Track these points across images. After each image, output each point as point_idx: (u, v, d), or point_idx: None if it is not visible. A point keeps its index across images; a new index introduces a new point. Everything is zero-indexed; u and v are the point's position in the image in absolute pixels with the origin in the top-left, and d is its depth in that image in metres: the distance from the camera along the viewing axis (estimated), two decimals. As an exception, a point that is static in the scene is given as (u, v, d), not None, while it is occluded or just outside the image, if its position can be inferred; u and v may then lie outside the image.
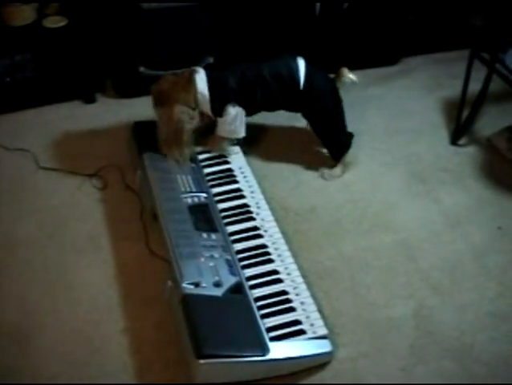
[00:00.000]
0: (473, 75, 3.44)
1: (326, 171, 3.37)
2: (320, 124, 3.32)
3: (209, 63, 3.61)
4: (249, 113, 3.26)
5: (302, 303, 2.57)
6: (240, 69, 3.20)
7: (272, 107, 3.36)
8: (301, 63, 3.19)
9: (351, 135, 3.37)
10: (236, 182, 3.10)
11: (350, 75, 3.25)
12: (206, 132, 3.28)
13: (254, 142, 3.49)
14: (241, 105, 3.18)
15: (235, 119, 3.19)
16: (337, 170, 3.36)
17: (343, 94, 3.27)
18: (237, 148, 3.32)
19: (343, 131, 3.35)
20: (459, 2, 4.07)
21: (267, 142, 3.55)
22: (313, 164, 3.41)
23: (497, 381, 2.48)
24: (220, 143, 3.28)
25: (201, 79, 3.14)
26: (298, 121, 3.45)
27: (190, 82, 3.13)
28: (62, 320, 2.66)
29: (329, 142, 3.36)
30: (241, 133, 3.27)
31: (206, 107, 3.17)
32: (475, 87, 3.49)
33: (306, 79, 3.17)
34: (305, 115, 3.35)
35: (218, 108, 3.17)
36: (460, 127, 3.57)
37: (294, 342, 2.43)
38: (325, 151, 3.41)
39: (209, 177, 3.11)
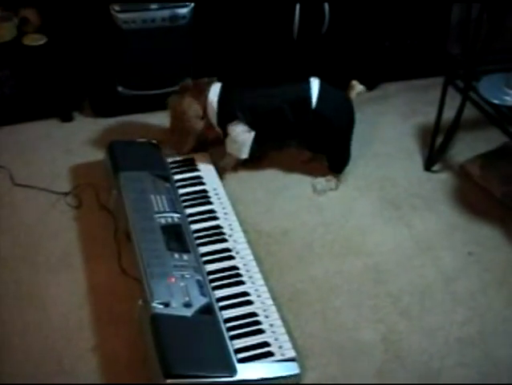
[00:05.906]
0: (448, 102, 3.47)
1: (321, 180, 3.41)
2: (331, 141, 3.35)
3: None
4: (258, 141, 3.32)
5: (271, 325, 2.58)
6: (252, 96, 3.30)
7: (283, 134, 3.41)
8: (314, 83, 3.28)
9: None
10: (210, 203, 3.12)
11: (360, 86, 3.39)
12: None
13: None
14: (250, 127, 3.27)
15: (238, 138, 3.27)
16: (332, 183, 3.41)
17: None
18: (211, 168, 3.36)
19: (350, 145, 3.43)
20: (436, 29, 4.12)
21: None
22: (287, 187, 3.44)
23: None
24: (225, 159, 3.40)
25: (214, 90, 3.27)
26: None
27: (204, 89, 3.29)
28: (32, 338, 2.65)
29: (336, 155, 3.42)
30: (242, 154, 3.33)
31: (213, 119, 3.28)
32: (450, 114, 3.53)
33: (320, 98, 3.24)
34: (313, 135, 3.36)
35: (224, 123, 3.27)
36: (433, 154, 3.60)
37: (262, 363, 2.44)
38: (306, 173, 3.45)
39: (183, 198, 3.12)
